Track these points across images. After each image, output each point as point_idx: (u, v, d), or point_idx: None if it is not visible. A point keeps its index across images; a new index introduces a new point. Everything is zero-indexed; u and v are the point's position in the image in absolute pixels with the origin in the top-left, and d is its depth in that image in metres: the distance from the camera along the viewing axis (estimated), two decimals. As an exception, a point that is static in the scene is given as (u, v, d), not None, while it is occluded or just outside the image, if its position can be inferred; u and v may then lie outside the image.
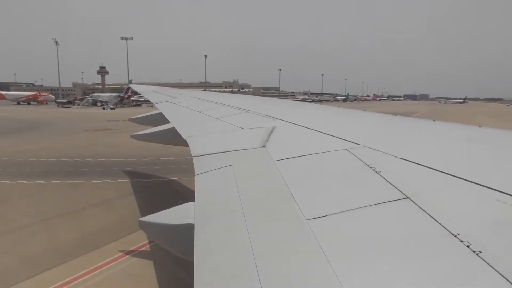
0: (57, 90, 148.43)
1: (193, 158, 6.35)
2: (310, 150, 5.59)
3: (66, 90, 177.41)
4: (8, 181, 21.15)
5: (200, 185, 5.04)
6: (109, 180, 21.76)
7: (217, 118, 10.17)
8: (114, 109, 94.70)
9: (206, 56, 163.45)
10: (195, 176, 5.38)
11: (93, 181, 21.53)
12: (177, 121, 11.59)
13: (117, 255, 12.17)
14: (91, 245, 12.79)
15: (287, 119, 8.24)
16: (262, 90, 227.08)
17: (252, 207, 4.00)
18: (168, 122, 12.05)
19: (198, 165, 5.92)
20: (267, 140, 6.50)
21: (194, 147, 7.06)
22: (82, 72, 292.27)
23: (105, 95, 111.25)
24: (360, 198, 3.70)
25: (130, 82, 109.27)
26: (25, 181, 21.20)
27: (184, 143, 8.02)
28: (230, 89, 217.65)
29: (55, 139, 38.35)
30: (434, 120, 7.52)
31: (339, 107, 11.77)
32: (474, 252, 2.44)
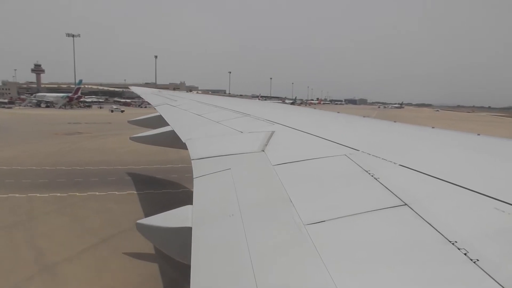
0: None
1: (192, 161, 6.26)
2: (309, 155, 5.53)
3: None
4: (17, 195, 18.41)
5: (199, 188, 4.98)
6: (134, 192, 19.80)
7: (217, 122, 10.09)
8: (123, 111, 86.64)
9: (156, 57, 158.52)
10: (194, 179, 5.31)
11: (116, 192, 19.46)
12: (177, 124, 11.46)
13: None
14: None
15: (286, 124, 8.18)
16: (210, 92, 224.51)
17: (250, 211, 3.96)
18: (167, 124, 11.87)
19: (197, 168, 5.86)
20: (266, 145, 6.47)
21: (193, 150, 7.00)
22: (15, 69, 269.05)
23: (51, 95, 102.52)
24: (358, 204, 3.68)
25: (79, 82, 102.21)
26: (37, 194, 18.60)
27: (183, 146, 7.90)
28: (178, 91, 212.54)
29: (31, 144, 34.30)
30: (433, 127, 7.51)
31: (338, 112, 11.74)
32: (471, 260, 2.43)
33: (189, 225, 3.97)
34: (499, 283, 2.18)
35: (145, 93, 28.13)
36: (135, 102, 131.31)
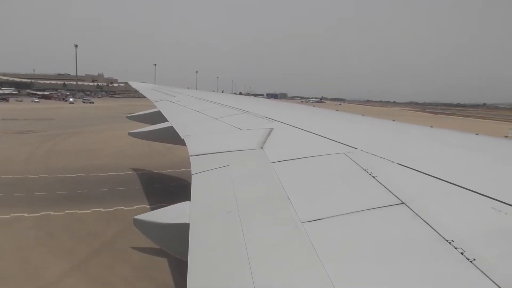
0: None
1: (190, 157, 6.24)
2: (307, 153, 5.55)
3: None
4: (52, 212, 14.91)
5: (197, 185, 4.99)
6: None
7: (216, 118, 10.08)
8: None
9: (76, 46, 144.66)
10: (192, 176, 5.29)
11: (168, 204, 16.68)
12: (176, 120, 11.42)
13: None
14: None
15: (285, 121, 8.23)
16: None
17: (248, 208, 3.98)
18: (166, 120, 11.84)
19: (195, 164, 5.84)
20: (264, 142, 6.50)
21: (192, 147, 6.99)
22: None
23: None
24: (356, 202, 3.71)
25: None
26: (77, 211, 15.33)
27: (181, 142, 7.91)
28: (96, 83, 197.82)
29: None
30: (431, 127, 7.58)
31: (337, 110, 11.89)
32: (468, 259, 2.46)
33: (186, 221, 3.90)
34: (495, 283, 2.17)
35: (144, 88, 26.59)
36: (58, 95, 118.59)
